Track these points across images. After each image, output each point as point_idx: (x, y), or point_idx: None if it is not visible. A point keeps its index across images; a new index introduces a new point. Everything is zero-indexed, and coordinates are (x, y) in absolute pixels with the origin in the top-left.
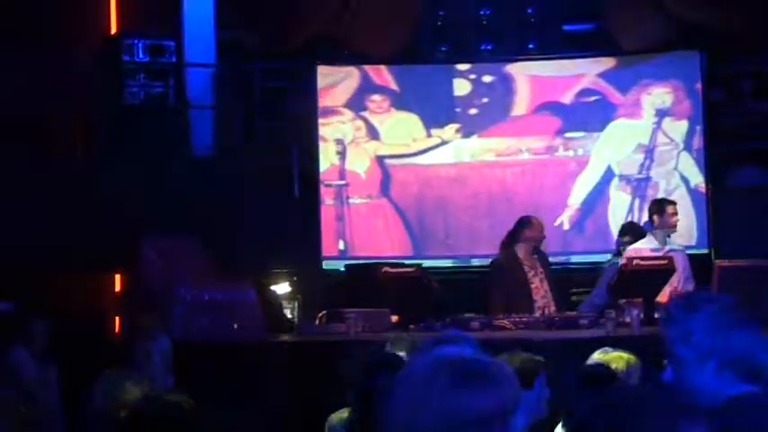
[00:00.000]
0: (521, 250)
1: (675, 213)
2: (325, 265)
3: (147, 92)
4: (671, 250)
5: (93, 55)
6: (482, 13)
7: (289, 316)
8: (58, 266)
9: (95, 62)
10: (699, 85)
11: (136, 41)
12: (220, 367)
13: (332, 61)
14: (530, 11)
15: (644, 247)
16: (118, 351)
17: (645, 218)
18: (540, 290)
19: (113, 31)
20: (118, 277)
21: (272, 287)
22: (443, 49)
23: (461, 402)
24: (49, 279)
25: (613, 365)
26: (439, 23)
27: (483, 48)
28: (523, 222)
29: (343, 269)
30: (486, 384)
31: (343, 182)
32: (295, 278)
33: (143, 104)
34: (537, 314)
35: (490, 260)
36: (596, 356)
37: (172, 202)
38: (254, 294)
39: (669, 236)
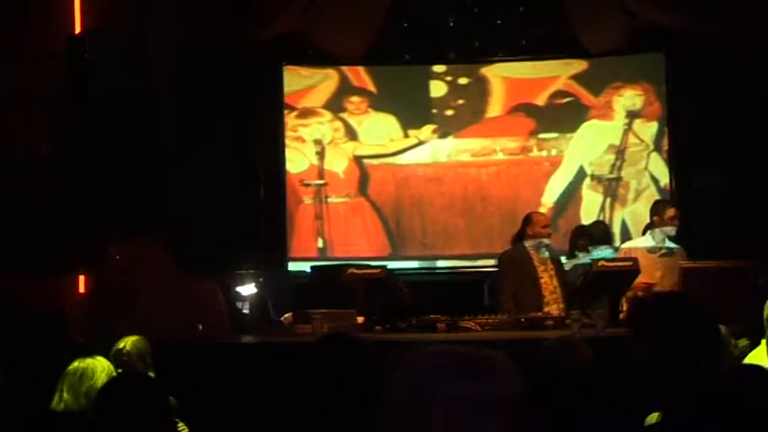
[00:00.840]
0: (530, 246)
1: (675, 216)
2: (300, 265)
3: (112, 90)
4: (668, 250)
5: (58, 53)
6: (448, 15)
7: (254, 316)
8: (21, 267)
9: (60, 61)
10: (665, 88)
11: (101, 39)
12: (185, 368)
13: (299, 61)
14: (498, 13)
15: (641, 245)
16: (80, 353)
17: (617, 217)
18: (550, 286)
19: (78, 29)
20: (81, 279)
21: (238, 288)
22: (411, 51)
23: (468, 391)
24: (10, 279)
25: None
26: (405, 25)
27: (450, 50)
28: (525, 219)
29: (309, 270)
30: (490, 374)
31: (322, 181)
32: (261, 279)
33: (109, 103)
34: (546, 310)
35: (498, 256)
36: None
37: (137, 202)
38: (220, 295)
39: (669, 237)
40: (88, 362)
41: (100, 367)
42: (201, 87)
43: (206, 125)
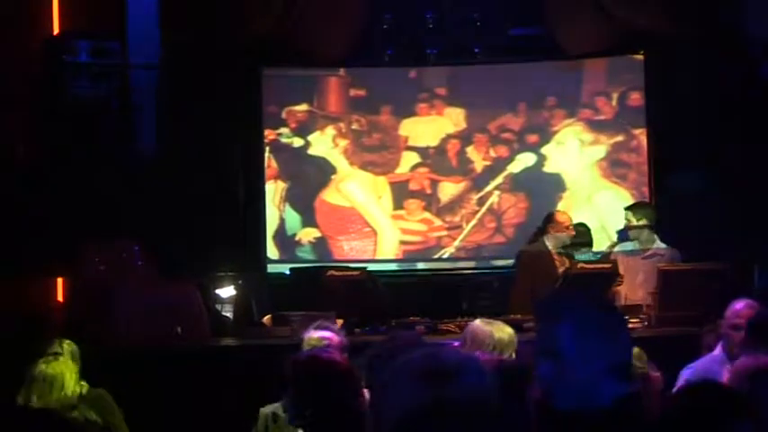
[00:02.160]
0: (550, 244)
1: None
2: (280, 267)
3: (89, 93)
4: (657, 250)
5: (35, 56)
6: (428, 17)
7: (233, 319)
8: None
9: (38, 63)
10: (644, 90)
11: (79, 42)
12: (163, 372)
13: (279, 64)
14: (477, 15)
15: (627, 248)
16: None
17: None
18: None
19: (56, 31)
20: (59, 282)
21: (217, 290)
22: (390, 53)
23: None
24: None
25: (497, 335)
26: (385, 27)
27: (430, 52)
28: (547, 218)
29: (288, 272)
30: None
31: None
32: (240, 281)
33: (86, 106)
34: None
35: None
36: (478, 322)
37: (115, 205)
38: (199, 298)
39: (657, 236)
40: (55, 368)
41: (68, 373)
42: (180, 90)
43: (184, 127)
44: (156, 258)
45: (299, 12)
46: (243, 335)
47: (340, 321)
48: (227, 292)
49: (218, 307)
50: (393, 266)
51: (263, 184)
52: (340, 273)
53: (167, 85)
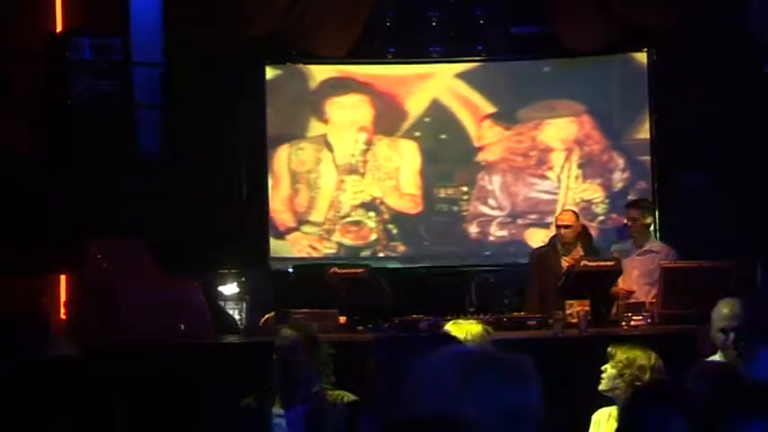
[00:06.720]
0: (559, 243)
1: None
2: (283, 264)
3: (93, 91)
4: (651, 247)
5: (38, 53)
6: (431, 14)
7: (236, 317)
8: (1, 267)
9: (41, 61)
10: (646, 87)
11: (82, 40)
12: (167, 369)
13: (281, 60)
14: (479, 13)
15: (624, 246)
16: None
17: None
18: None
19: (59, 29)
20: (63, 279)
21: (220, 288)
22: (392, 50)
23: (500, 397)
24: None
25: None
26: (388, 24)
27: (432, 49)
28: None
29: (291, 269)
30: (521, 380)
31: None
32: (243, 279)
33: (89, 104)
34: (569, 311)
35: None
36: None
37: (118, 203)
38: (202, 295)
39: (653, 236)
40: None
41: None
42: (183, 88)
43: (188, 125)
44: (159, 256)
45: (302, 9)
46: (245, 332)
47: (343, 319)
48: (229, 289)
49: (221, 304)
50: (396, 263)
51: (266, 182)
52: (343, 270)
53: (170, 83)
